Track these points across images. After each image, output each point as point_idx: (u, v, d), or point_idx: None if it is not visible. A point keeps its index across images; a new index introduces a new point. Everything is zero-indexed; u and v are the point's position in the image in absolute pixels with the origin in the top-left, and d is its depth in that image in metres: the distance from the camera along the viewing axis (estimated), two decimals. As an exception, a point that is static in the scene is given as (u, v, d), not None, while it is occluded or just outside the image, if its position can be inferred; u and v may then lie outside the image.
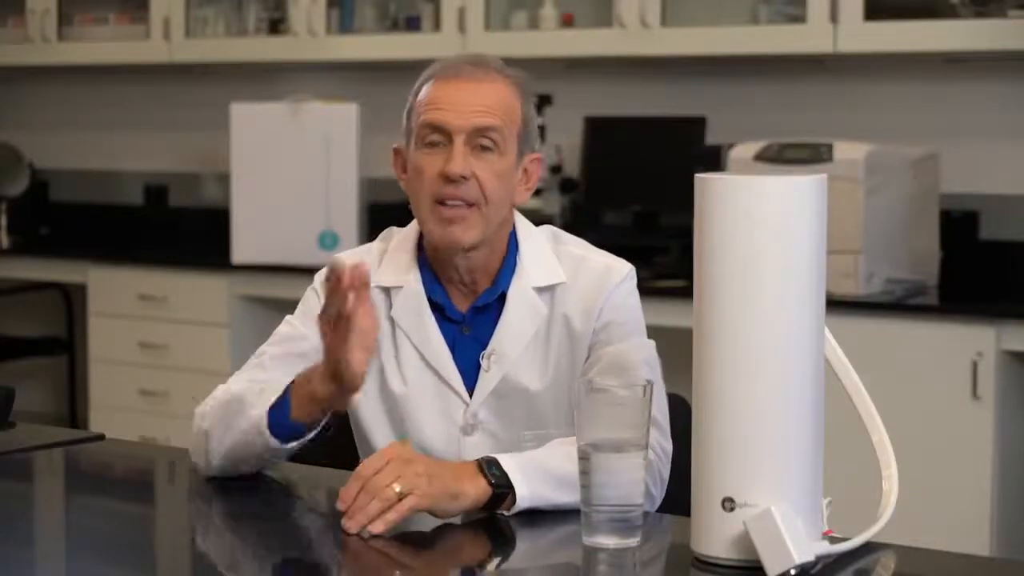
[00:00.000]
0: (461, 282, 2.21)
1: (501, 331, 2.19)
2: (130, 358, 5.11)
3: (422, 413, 2.18)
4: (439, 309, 2.21)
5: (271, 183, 4.84)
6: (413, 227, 2.25)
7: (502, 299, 2.20)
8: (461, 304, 2.21)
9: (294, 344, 2.20)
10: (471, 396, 2.19)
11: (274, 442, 2.02)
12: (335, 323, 1.90)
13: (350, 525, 1.84)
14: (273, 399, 2.03)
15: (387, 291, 2.22)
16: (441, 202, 2.14)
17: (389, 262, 2.23)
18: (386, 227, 2.32)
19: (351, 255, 2.25)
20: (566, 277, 2.20)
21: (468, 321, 2.21)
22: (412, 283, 2.21)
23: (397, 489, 1.84)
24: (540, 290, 2.20)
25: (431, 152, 2.15)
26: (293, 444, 2.04)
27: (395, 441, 2.03)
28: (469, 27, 4.69)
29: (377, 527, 1.84)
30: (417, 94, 2.19)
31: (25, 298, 5.86)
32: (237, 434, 2.05)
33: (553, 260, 2.22)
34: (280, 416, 2.02)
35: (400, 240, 2.26)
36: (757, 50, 4.35)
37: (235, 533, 2.04)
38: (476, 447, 2.14)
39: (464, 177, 2.12)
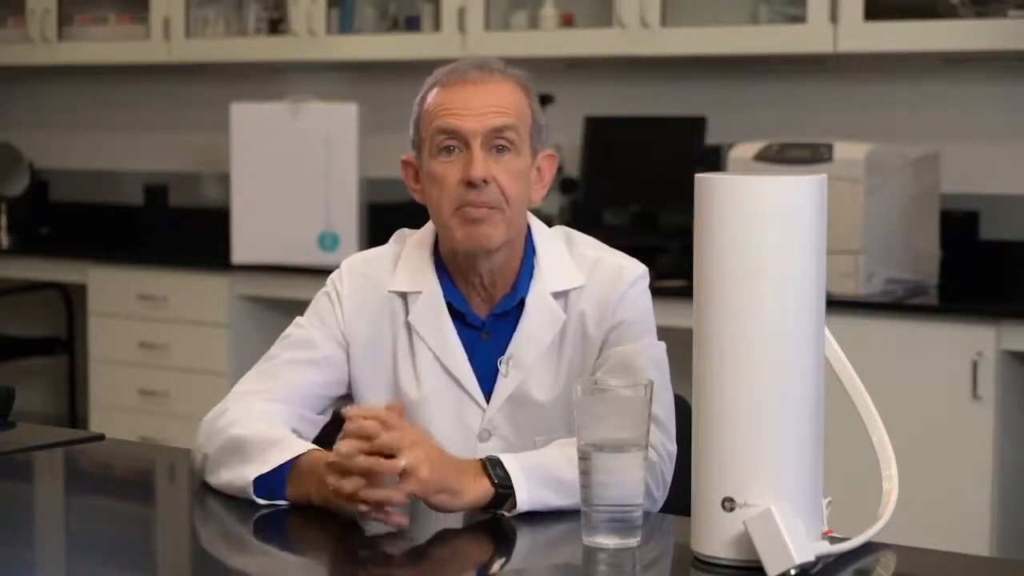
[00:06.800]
0: (482, 285, 2.18)
1: (519, 337, 2.17)
2: (130, 358, 5.11)
3: (438, 420, 2.15)
4: (459, 316, 2.18)
5: (271, 183, 4.84)
6: (427, 230, 2.22)
7: (520, 304, 2.18)
8: (480, 310, 2.19)
9: (307, 351, 2.17)
10: (488, 402, 2.17)
11: (261, 501, 1.98)
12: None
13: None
14: (264, 470, 1.97)
15: (403, 296, 2.20)
16: (464, 207, 2.11)
17: (404, 266, 2.20)
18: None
19: (364, 258, 2.24)
20: (583, 280, 2.18)
21: (489, 327, 2.19)
22: (430, 288, 2.18)
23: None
24: (557, 295, 2.18)
25: (448, 159, 2.12)
26: (279, 502, 2.00)
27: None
28: (469, 27, 4.68)
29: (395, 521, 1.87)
30: (423, 103, 2.16)
31: (25, 298, 5.86)
32: (230, 476, 2.02)
33: (570, 263, 2.20)
34: (274, 479, 1.98)
35: (415, 243, 2.22)
36: (757, 50, 4.35)
37: (235, 533, 2.03)
38: (492, 453, 2.11)
39: (485, 181, 2.09)
